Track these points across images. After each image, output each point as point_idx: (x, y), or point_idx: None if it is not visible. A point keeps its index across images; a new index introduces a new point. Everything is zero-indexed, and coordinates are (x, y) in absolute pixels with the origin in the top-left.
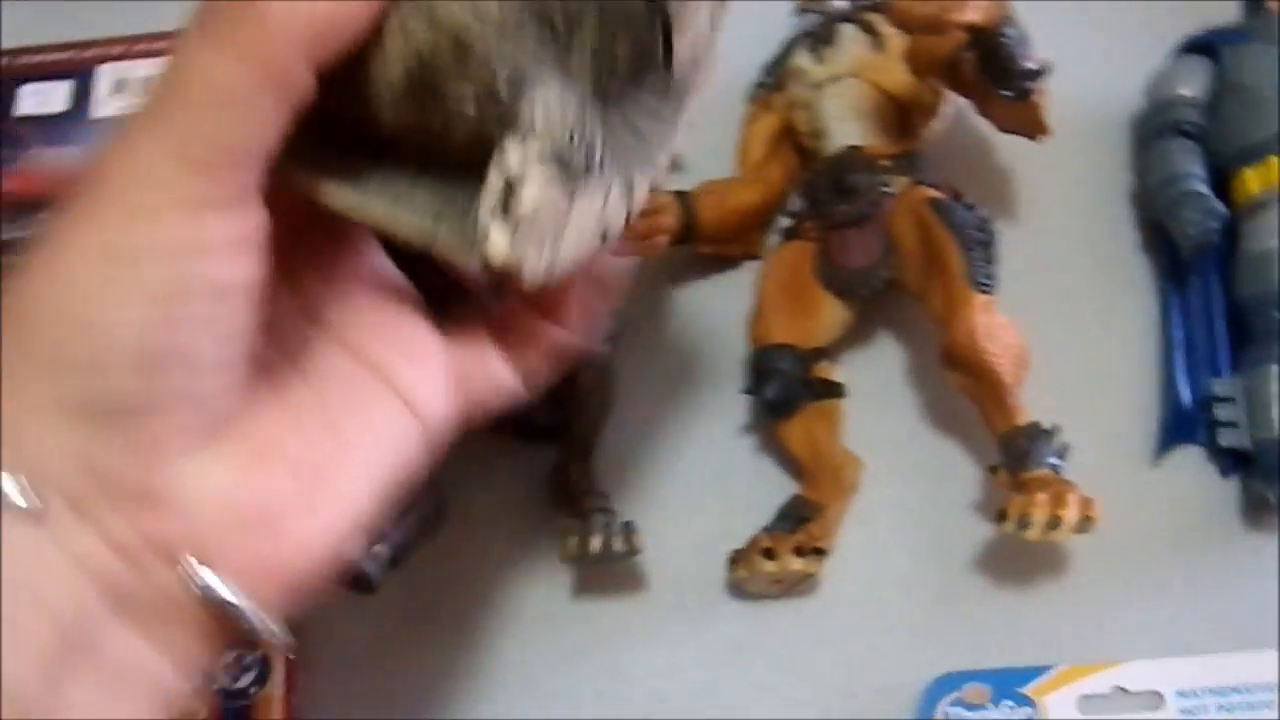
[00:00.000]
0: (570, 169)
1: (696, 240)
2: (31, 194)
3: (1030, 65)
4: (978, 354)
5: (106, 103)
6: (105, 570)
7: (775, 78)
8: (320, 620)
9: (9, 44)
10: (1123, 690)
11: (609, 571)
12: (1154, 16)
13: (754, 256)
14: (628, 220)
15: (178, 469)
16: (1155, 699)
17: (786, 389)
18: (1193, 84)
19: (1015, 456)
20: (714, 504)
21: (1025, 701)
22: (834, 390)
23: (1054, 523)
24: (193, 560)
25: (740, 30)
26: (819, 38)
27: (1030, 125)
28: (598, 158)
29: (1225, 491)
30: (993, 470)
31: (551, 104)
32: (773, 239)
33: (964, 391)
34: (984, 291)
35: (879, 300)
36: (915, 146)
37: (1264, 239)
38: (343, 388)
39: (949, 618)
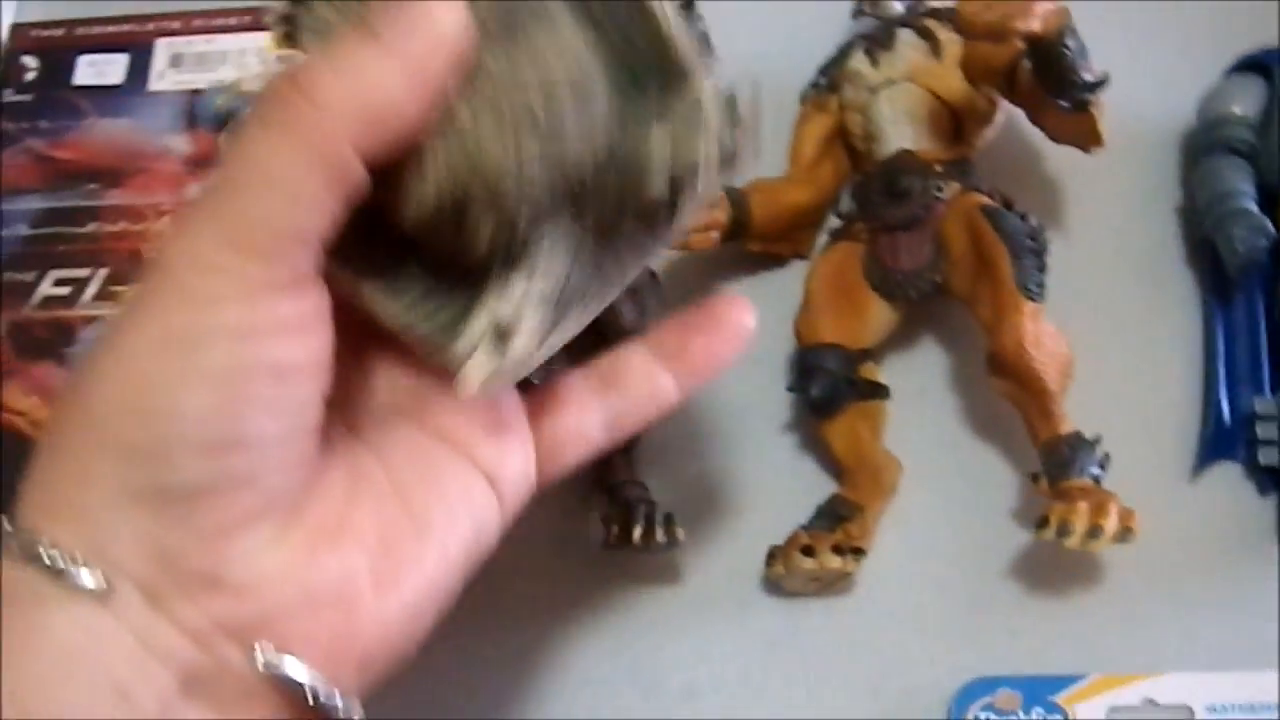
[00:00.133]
0: (560, 311)
1: (747, 237)
2: (85, 164)
3: (1089, 77)
4: (1024, 361)
5: (163, 76)
6: (177, 654)
7: (830, 79)
8: None
9: (69, 14)
10: (1153, 703)
11: (646, 562)
12: (1209, 33)
13: (802, 256)
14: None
15: (244, 550)
16: (1186, 713)
17: (832, 388)
18: (1245, 102)
19: (1057, 465)
20: (753, 500)
21: (1056, 710)
22: (878, 391)
23: (1094, 532)
24: (264, 643)
25: (797, 31)
26: (876, 41)
27: (1085, 137)
28: (585, 299)
29: (1262, 509)
30: (1034, 478)
31: (558, 249)
32: (821, 239)
33: (1008, 398)
34: (1033, 299)
35: (925, 303)
36: (968, 153)
37: None
38: (416, 463)
39: (982, 623)
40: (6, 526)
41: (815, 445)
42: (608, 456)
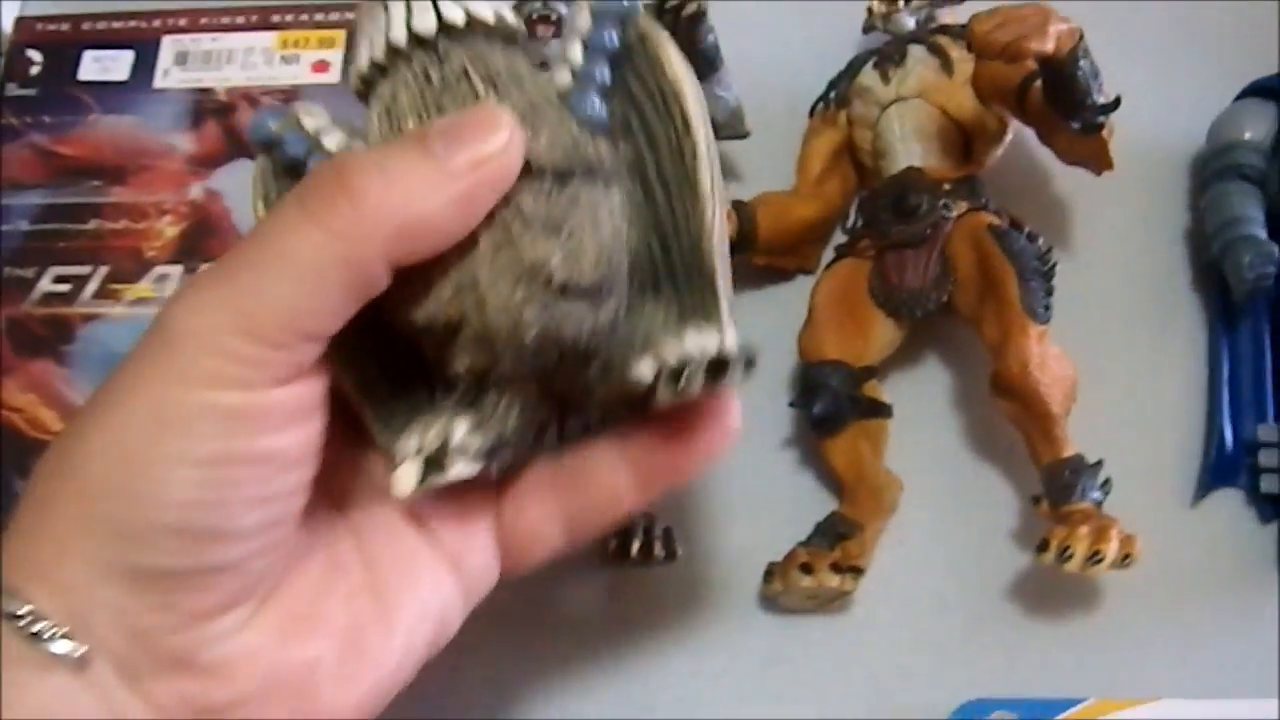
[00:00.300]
0: (502, 456)
1: (752, 251)
2: (88, 160)
3: (1101, 99)
4: (1029, 383)
5: (168, 74)
6: None
7: (840, 94)
8: None
9: (74, 9)
10: None
11: (644, 577)
12: (1220, 58)
13: (808, 270)
14: None
15: (217, 632)
16: None
17: (835, 406)
18: (1256, 128)
19: (1058, 488)
20: (752, 515)
21: None
22: (881, 410)
23: (1095, 557)
24: None
25: (807, 44)
26: (888, 57)
27: (1095, 159)
28: (535, 448)
29: (1263, 537)
30: (1035, 500)
31: (513, 411)
32: (827, 254)
33: (1011, 419)
34: (1039, 321)
35: (929, 322)
36: (976, 172)
37: None
38: (391, 548)
39: (980, 644)
40: None
41: (815, 462)
42: None
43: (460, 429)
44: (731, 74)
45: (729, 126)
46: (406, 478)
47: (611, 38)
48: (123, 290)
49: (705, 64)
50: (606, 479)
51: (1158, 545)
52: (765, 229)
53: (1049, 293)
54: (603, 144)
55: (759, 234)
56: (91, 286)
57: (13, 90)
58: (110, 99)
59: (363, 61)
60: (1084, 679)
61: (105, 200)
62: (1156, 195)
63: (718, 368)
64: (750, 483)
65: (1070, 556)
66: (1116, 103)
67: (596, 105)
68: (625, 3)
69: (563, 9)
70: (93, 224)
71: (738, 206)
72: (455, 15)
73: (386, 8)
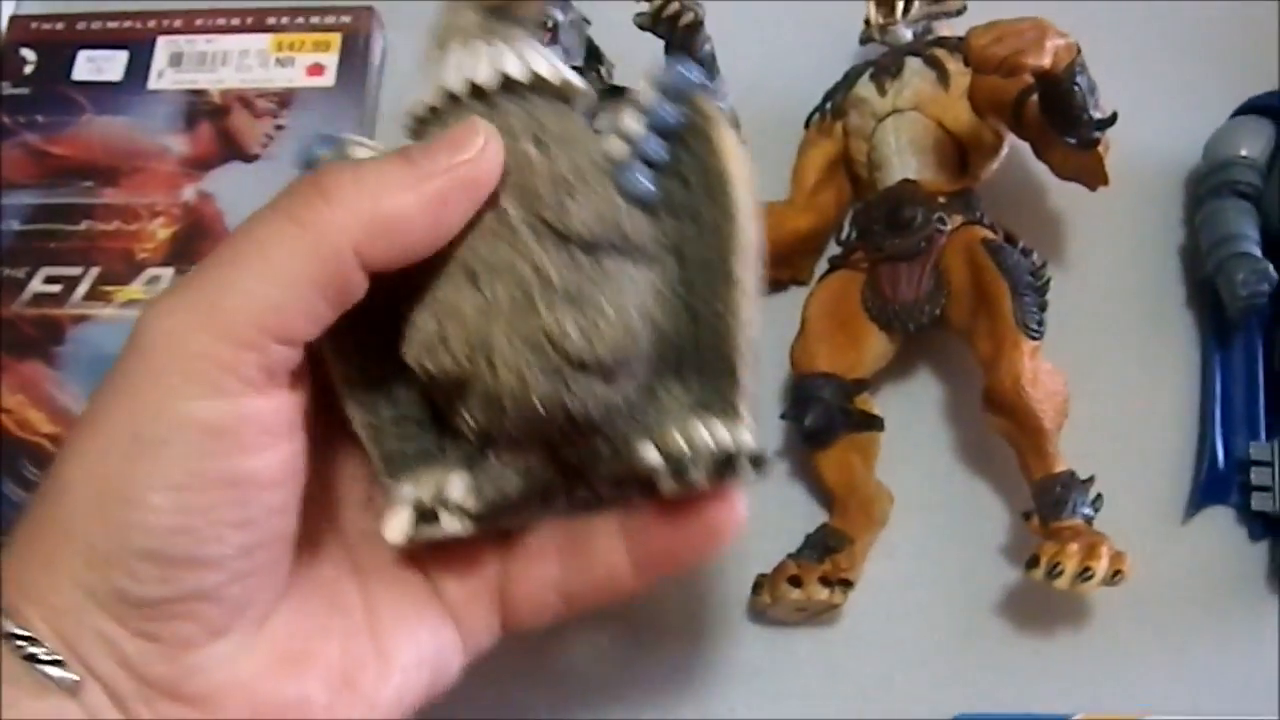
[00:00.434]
0: (488, 521)
1: None
2: (81, 160)
3: (1098, 115)
4: (1021, 399)
5: (163, 75)
6: None
7: (836, 105)
8: None
9: (69, 9)
10: None
11: None
12: (1217, 74)
13: (801, 282)
14: None
15: (205, 662)
16: None
17: (827, 418)
18: (1252, 145)
19: (1049, 504)
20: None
21: None
22: (873, 423)
23: (1085, 574)
24: None
25: (803, 55)
26: (884, 69)
27: (1090, 174)
28: (532, 512)
29: (1254, 555)
30: (1025, 516)
31: (518, 475)
32: (821, 266)
33: (1002, 435)
34: (1032, 337)
35: (921, 335)
36: (972, 185)
37: None
38: (394, 593)
39: (969, 659)
40: None
41: (806, 474)
42: None
43: (457, 485)
44: (727, 84)
45: None
46: (397, 524)
47: (671, 114)
48: (114, 292)
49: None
50: (605, 556)
51: (1148, 562)
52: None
53: (1042, 308)
54: (644, 219)
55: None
56: (82, 288)
57: (6, 89)
58: (104, 99)
59: (419, 102)
60: (1072, 695)
61: (97, 201)
62: (1151, 211)
63: (726, 464)
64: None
65: (1060, 573)
66: (1113, 118)
67: (646, 181)
68: (690, 79)
69: (559, 15)
70: (84, 225)
71: None
72: (517, 71)
73: (451, 52)
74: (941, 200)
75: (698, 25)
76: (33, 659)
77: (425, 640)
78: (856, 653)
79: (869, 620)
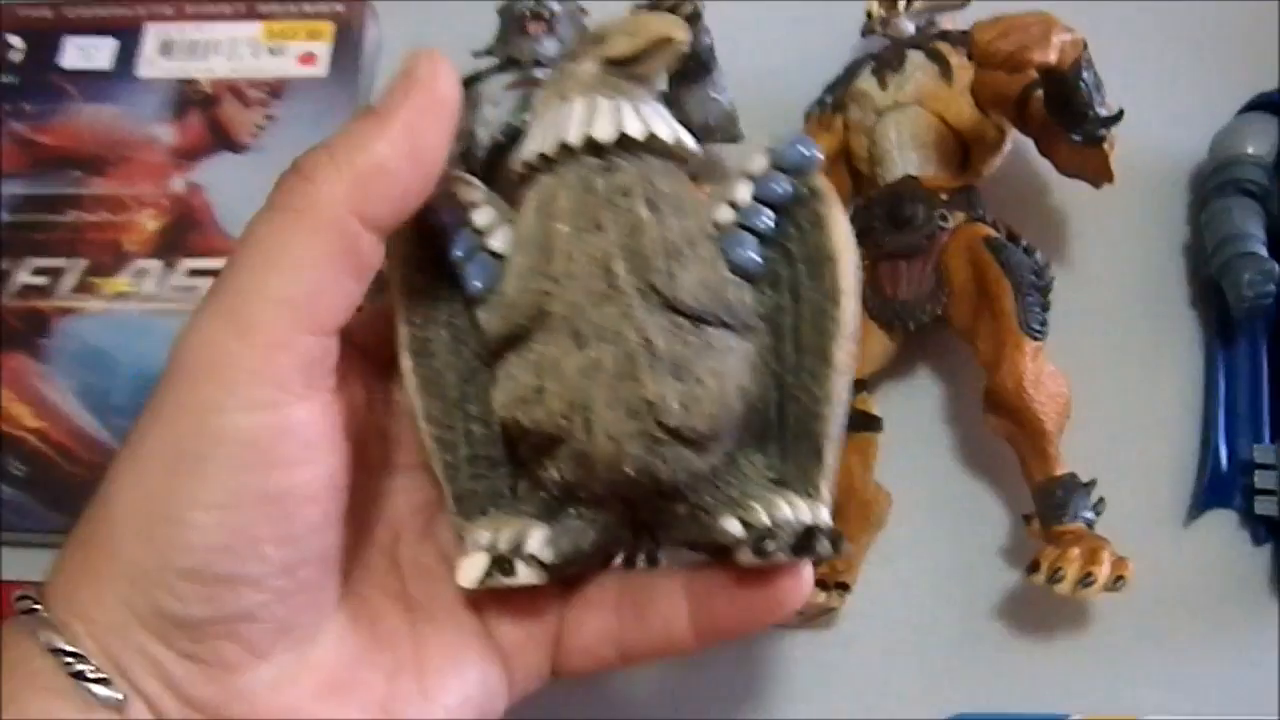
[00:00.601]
0: (559, 574)
1: None
2: (69, 150)
3: (1104, 111)
4: (1023, 401)
5: (153, 63)
6: None
7: (837, 99)
8: None
9: None
10: None
11: None
12: (1224, 70)
13: None
14: None
15: (248, 684)
16: None
17: None
18: (1259, 142)
19: (1050, 507)
20: None
21: None
22: (872, 424)
23: (1086, 579)
24: None
25: (804, 47)
26: (886, 62)
27: (1095, 171)
28: (605, 559)
29: (1255, 559)
30: (1026, 519)
31: (595, 531)
32: None
33: (1003, 436)
34: (1035, 337)
35: (921, 334)
36: (974, 182)
37: None
38: (445, 631)
39: (966, 661)
40: (42, 611)
41: None
42: None
43: (536, 537)
44: (726, 76)
45: (722, 130)
46: (472, 570)
47: (784, 187)
48: (101, 284)
49: (699, 66)
50: (666, 614)
51: (1149, 565)
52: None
53: (1045, 308)
54: (748, 292)
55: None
56: (69, 280)
57: None
58: (92, 87)
59: (531, 150)
60: (1071, 698)
61: (84, 192)
62: (1155, 209)
63: (805, 541)
64: None
65: (1061, 578)
66: (1119, 115)
67: (754, 255)
68: (805, 153)
69: (556, 6)
70: (71, 216)
71: None
72: (635, 130)
73: (568, 103)
74: (943, 197)
75: (697, 17)
76: (80, 676)
77: (472, 680)
78: (853, 654)
79: (866, 622)
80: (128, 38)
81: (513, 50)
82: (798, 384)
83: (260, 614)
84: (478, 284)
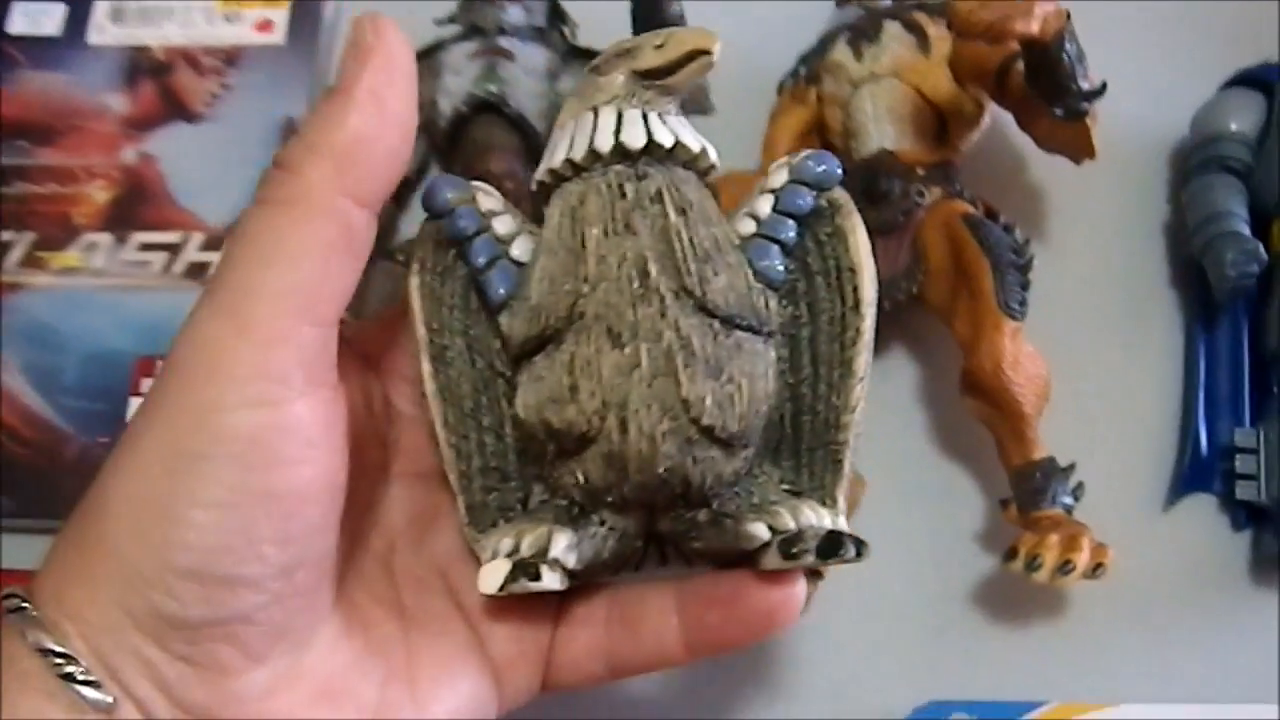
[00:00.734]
0: (578, 580)
1: None
2: (15, 119)
3: (1086, 85)
4: (1001, 383)
5: (103, 29)
6: None
7: (811, 70)
8: None
9: None
10: None
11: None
12: (1207, 44)
13: None
14: None
15: (242, 689)
16: None
17: None
18: (1243, 119)
19: (1028, 492)
20: None
21: None
22: None
23: (1065, 567)
24: None
25: (776, 17)
26: (861, 33)
27: (1077, 147)
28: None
29: (1235, 545)
30: (1004, 504)
31: (616, 539)
32: None
33: (981, 419)
34: (1013, 317)
35: (897, 313)
36: (951, 157)
37: None
38: (439, 642)
39: (942, 647)
40: (31, 610)
41: None
42: None
43: (561, 542)
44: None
45: (693, 102)
46: (494, 576)
47: (805, 201)
48: (49, 259)
49: None
50: (657, 628)
51: (1127, 550)
52: (728, 209)
53: (1025, 287)
54: (772, 300)
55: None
56: (16, 254)
57: None
58: (40, 54)
59: (558, 158)
60: (1049, 684)
61: (32, 163)
62: (1135, 186)
63: (830, 546)
64: None
65: (1039, 566)
66: (1102, 89)
67: (778, 264)
68: (824, 169)
69: None
70: (18, 187)
71: None
72: (664, 138)
73: (597, 113)
74: (920, 172)
75: None
76: (69, 678)
77: (464, 693)
78: (825, 642)
79: (839, 609)
80: (78, 3)
81: (476, 18)
82: (815, 393)
83: (257, 616)
84: (500, 291)
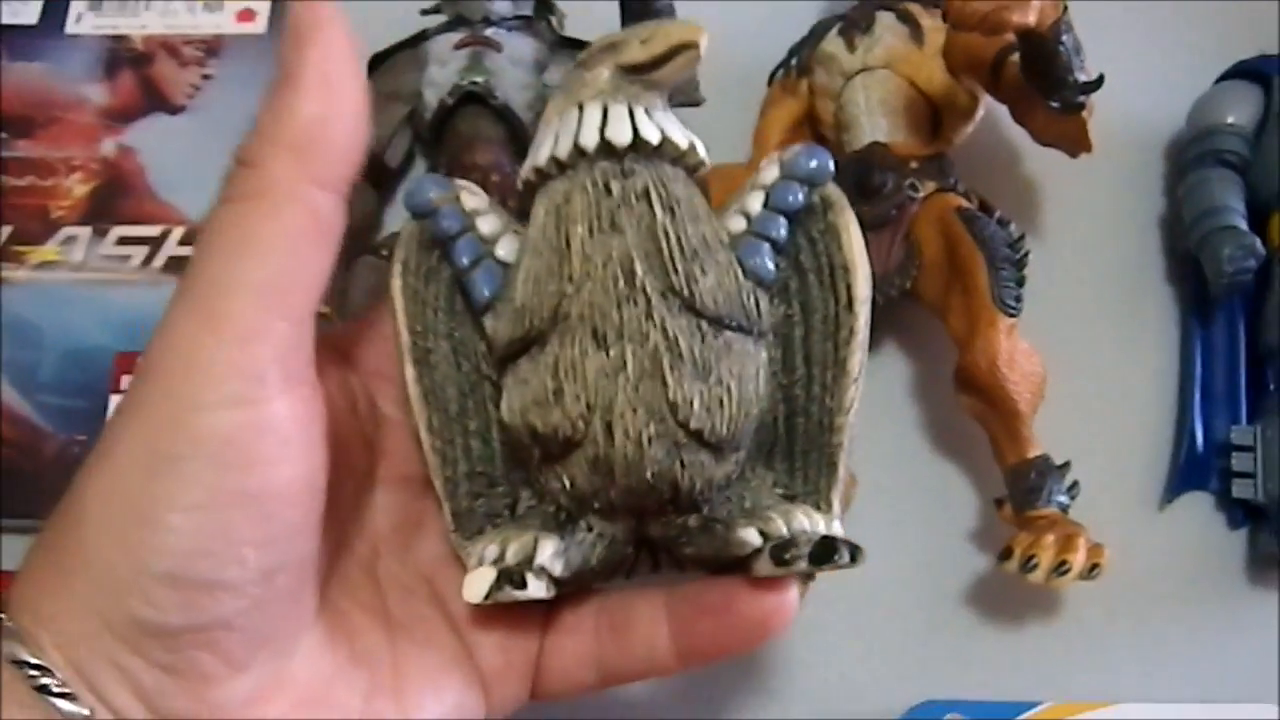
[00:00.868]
0: (565, 588)
1: None
2: None
3: (1083, 77)
4: (996, 380)
5: (81, 19)
6: None
7: (802, 61)
8: None
9: None
10: None
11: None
12: (1204, 36)
13: None
14: None
15: (224, 698)
16: None
17: None
18: (1240, 111)
19: (1023, 491)
20: None
21: None
22: None
23: (1061, 568)
24: None
25: (768, 8)
26: (854, 23)
27: (1073, 140)
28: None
29: (1232, 543)
30: (998, 503)
31: (604, 545)
32: None
33: (975, 416)
34: (1009, 314)
35: (890, 309)
36: (945, 150)
37: None
38: (425, 652)
39: (935, 647)
40: (5, 620)
41: None
42: None
43: (548, 549)
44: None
45: (681, 93)
46: (479, 584)
47: (797, 197)
48: (27, 253)
49: None
50: (646, 636)
51: (1123, 549)
52: (718, 204)
53: (1020, 283)
54: (763, 299)
55: (711, 208)
56: None
57: None
58: (17, 44)
59: (543, 155)
60: (1045, 683)
61: (10, 155)
62: (1130, 180)
63: (823, 552)
64: None
65: (1035, 567)
66: (1100, 81)
67: (769, 262)
68: (815, 164)
69: None
70: None
71: None
72: (651, 134)
73: (582, 109)
74: (913, 165)
75: None
76: (44, 690)
77: (450, 702)
78: (817, 643)
79: (831, 608)
80: None
81: (462, 8)
82: (808, 394)
83: (238, 622)
84: (485, 292)
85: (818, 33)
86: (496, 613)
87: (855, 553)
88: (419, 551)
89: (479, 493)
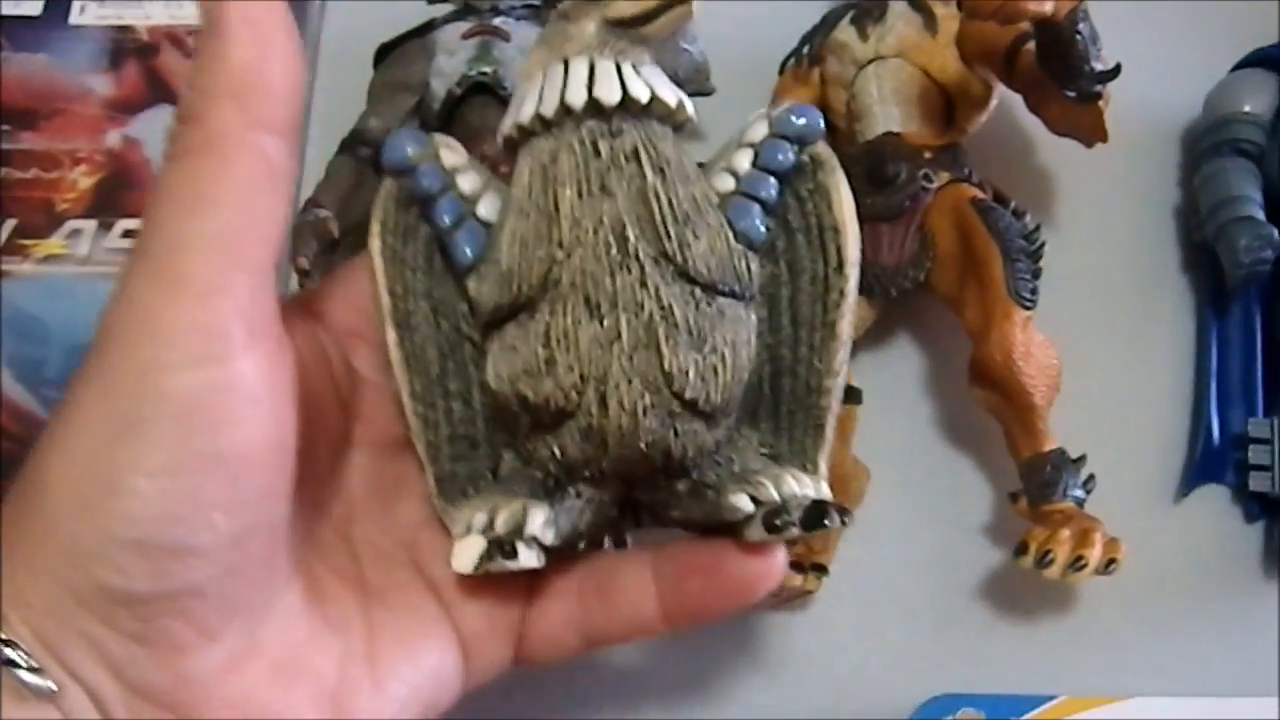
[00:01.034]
0: (554, 555)
1: None
2: None
3: (1100, 67)
4: (1012, 373)
5: (85, 10)
6: None
7: (814, 50)
8: None
9: None
10: None
11: None
12: (1219, 24)
13: None
14: None
15: (196, 668)
16: None
17: None
18: (1256, 100)
19: (1038, 485)
20: None
21: None
22: (850, 396)
23: (1077, 563)
24: None
25: None
26: (867, 12)
27: (1089, 130)
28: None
29: (1248, 536)
30: (1013, 497)
31: (593, 511)
32: None
33: (989, 409)
34: (1025, 306)
35: (903, 301)
36: (959, 139)
37: None
38: (402, 616)
39: (949, 641)
40: None
41: None
42: None
43: (538, 517)
44: (697, 25)
45: (693, 82)
46: (469, 553)
47: (787, 156)
48: (32, 246)
49: None
50: (633, 599)
51: (1138, 542)
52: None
53: (1036, 275)
54: (752, 261)
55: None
56: None
57: None
58: (21, 35)
59: (526, 112)
60: (1059, 677)
61: (14, 147)
62: (1146, 169)
63: (814, 516)
64: None
65: (1051, 562)
66: (1116, 70)
67: (759, 224)
68: (805, 122)
69: None
70: (1, 172)
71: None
72: (640, 92)
73: (567, 65)
74: (927, 155)
75: None
76: (10, 664)
77: (427, 667)
78: (830, 636)
79: (844, 602)
80: None
81: None
82: (795, 357)
83: (209, 589)
84: (468, 253)
85: (830, 21)
86: (479, 579)
87: (845, 515)
88: (397, 516)
89: (461, 455)
